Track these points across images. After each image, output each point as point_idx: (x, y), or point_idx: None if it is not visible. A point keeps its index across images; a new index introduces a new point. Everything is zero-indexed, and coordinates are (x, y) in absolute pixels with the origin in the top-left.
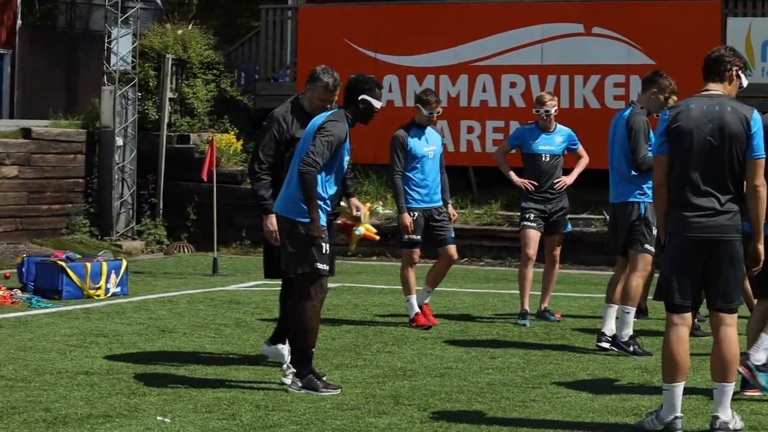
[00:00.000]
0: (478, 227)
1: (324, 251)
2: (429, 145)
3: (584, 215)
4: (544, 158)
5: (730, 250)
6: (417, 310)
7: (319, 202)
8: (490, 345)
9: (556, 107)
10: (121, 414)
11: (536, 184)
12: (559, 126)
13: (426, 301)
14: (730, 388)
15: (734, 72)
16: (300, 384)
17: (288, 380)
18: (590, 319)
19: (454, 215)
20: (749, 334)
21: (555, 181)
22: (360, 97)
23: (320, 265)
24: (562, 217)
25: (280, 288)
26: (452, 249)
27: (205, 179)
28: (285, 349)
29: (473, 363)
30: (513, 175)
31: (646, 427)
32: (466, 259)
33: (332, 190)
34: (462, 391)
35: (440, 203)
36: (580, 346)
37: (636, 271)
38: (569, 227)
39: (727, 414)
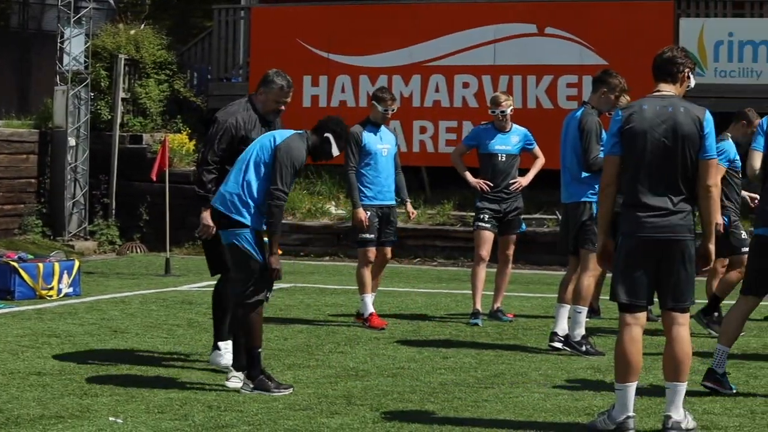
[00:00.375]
0: (431, 227)
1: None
2: (383, 142)
3: (537, 215)
4: (500, 158)
5: (682, 250)
6: (371, 310)
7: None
8: (443, 345)
9: (512, 107)
10: (73, 415)
11: (491, 184)
12: (515, 126)
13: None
14: (683, 387)
15: (686, 73)
16: (252, 385)
17: (232, 384)
18: (543, 319)
19: (413, 213)
20: (726, 331)
21: (510, 182)
22: (326, 134)
23: (254, 294)
24: (517, 216)
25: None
26: (388, 250)
27: (155, 179)
28: (220, 355)
29: (425, 363)
30: (469, 175)
31: (599, 426)
32: (418, 259)
33: None
34: (414, 391)
35: (393, 201)
36: (533, 346)
37: (587, 270)
38: (523, 227)
39: (679, 413)
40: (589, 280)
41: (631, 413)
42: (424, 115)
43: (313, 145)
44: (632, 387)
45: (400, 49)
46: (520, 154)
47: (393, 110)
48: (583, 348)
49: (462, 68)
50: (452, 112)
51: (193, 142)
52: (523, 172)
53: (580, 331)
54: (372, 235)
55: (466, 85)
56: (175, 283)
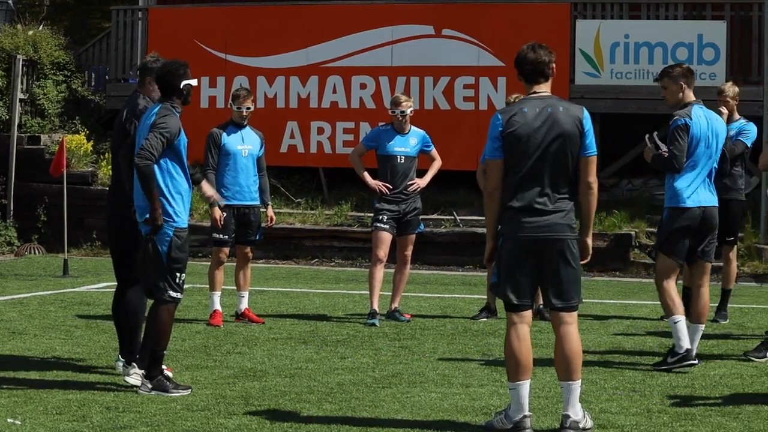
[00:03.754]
0: (329, 228)
1: (178, 279)
2: (244, 143)
3: (434, 216)
4: (398, 160)
5: (563, 249)
6: (216, 308)
7: (175, 196)
8: (340, 345)
9: (412, 108)
10: None
11: (391, 186)
12: (413, 128)
13: (245, 306)
14: (577, 385)
15: (554, 69)
16: (150, 385)
17: (132, 380)
18: (440, 319)
19: (272, 218)
20: None
21: (408, 183)
22: (183, 84)
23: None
24: (415, 217)
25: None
26: (248, 250)
27: (56, 175)
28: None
29: (323, 363)
30: (367, 176)
31: (496, 426)
32: (316, 259)
33: (185, 185)
34: (312, 391)
35: (254, 202)
36: (430, 346)
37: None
38: (422, 227)
39: (577, 413)
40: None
41: (527, 412)
42: (322, 116)
43: (181, 102)
44: (525, 385)
45: (297, 51)
46: (417, 156)
47: (249, 108)
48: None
49: (359, 69)
50: (350, 113)
51: (91, 143)
52: (420, 173)
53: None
54: (225, 236)
55: (363, 87)
56: (74, 284)
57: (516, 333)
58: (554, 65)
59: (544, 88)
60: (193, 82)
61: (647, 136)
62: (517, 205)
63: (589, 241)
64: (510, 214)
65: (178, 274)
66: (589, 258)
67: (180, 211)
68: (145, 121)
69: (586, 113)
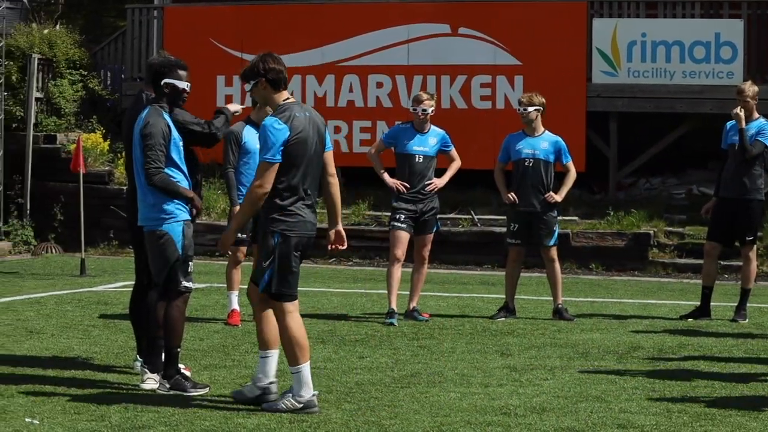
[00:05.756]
0: (346, 227)
1: (190, 269)
2: None
3: (452, 215)
4: (417, 159)
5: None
6: (234, 307)
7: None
8: (359, 345)
9: (434, 107)
10: None
11: (408, 186)
12: (433, 127)
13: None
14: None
15: None
16: (168, 384)
17: (147, 386)
18: (458, 319)
19: None
20: None
21: (426, 183)
22: (163, 82)
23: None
24: (433, 217)
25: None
26: (241, 248)
27: (76, 170)
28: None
29: (342, 363)
30: (386, 175)
31: (281, 407)
32: (334, 259)
33: (184, 183)
34: (331, 391)
35: None
36: (449, 345)
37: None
38: (438, 226)
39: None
40: None
41: (315, 391)
42: (339, 115)
43: (166, 103)
44: (308, 365)
45: (313, 49)
46: (436, 156)
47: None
48: None
49: (376, 68)
50: (366, 112)
51: (108, 142)
52: (438, 173)
53: None
54: (243, 235)
55: (379, 85)
56: (91, 283)
57: (295, 320)
58: None
59: (288, 95)
60: (179, 84)
61: None
62: (300, 204)
63: (341, 229)
64: (295, 214)
65: (190, 263)
66: (345, 245)
67: (182, 206)
68: (135, 128)
69: None
